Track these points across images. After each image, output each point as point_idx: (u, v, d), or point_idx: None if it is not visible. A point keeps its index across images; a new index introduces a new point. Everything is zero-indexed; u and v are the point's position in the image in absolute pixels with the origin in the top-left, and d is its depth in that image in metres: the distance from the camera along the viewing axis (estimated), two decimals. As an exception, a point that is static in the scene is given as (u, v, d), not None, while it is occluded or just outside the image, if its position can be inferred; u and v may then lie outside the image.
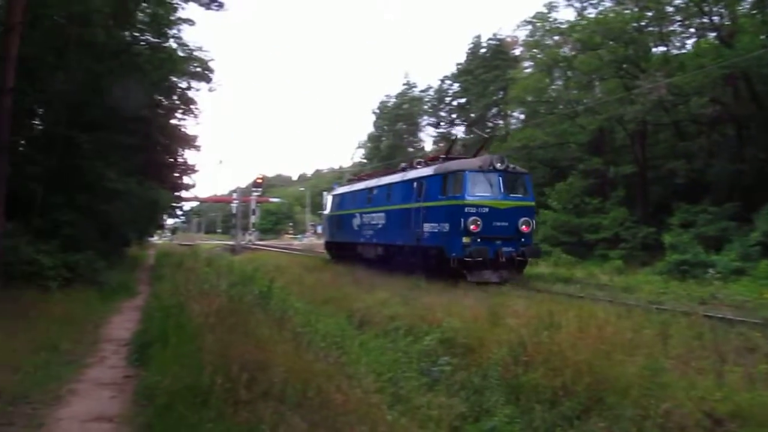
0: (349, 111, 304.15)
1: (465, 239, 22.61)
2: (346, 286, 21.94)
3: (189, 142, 35.80)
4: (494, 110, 69.98)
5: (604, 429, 7.97)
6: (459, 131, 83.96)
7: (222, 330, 8.69)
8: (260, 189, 67.14)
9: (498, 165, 23.46)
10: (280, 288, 17.38)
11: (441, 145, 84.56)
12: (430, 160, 28.56)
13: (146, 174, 26.66)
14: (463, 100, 75.73)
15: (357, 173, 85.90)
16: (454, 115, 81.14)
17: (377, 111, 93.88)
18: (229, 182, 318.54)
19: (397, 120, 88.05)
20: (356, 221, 32.49)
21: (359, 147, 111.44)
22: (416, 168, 27.92)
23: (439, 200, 24.01)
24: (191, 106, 31.30)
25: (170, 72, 24.79)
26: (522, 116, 59.34)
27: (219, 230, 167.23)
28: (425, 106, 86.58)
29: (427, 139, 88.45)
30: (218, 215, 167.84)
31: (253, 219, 70.23)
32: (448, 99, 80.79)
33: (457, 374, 10.67)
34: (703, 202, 32.01)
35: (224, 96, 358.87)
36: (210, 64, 29.70)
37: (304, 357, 8.27)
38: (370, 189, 31.72)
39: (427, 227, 24.44)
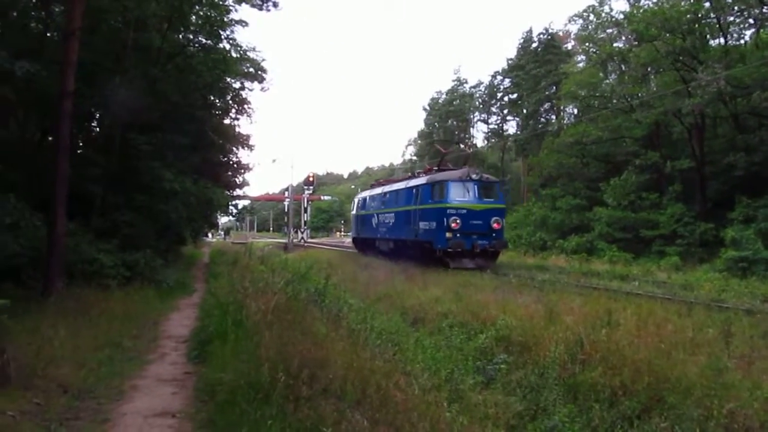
0: (400, 108, 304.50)
1: (448, 234, 28.36)
2: (399, 283, 21.99)
3: (242, 141, 36.22)
4: (546, 105, 69.32)
5: (666, 429, 7.87)
6: (511, 127, 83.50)
7: (280, 327, 8.80)
8: (312, 187, 67.50)
9: (473, 176, 30.07)
10: (334, 285, 17.51)
11: (493, 141, 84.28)
12: (426, 171, 36.20)
13: (201, 173, 26.94)
14: (514, 96, 75.13)
15: (408, 170, 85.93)
16: (505, 111, 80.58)
17: (428, 107, 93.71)
18: (282, 181, 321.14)
19: (447, 116, 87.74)
20: (374, 220, 39.97)
21: (410, 144, 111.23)
22: (417, 177, 34.90)
23: (429, 204, 30.38)
24: (244, 106, 31.54)
25: (224, 73, 25.02)
26: (575, 111, 58.76)
27: (271, 228, 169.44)
28: (476, 102, 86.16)
29: (479, 136, 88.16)
30: (270, 213, 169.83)
31: (304, 217, 70.77)
32: (499, 95, 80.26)
33: (513, 372, 10.63)
34: (765, 196, 31.08)
35: (277, 95, 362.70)
36: (262, 64, 30.01)
37: (361, 354, 8.32)
38: (384, 193, 38.69)
39: (422, 225, 30.85)
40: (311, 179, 66.53)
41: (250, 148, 37.18)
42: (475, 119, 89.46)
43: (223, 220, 66.45)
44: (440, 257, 28.47)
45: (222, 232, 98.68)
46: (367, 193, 45.28)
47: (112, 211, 20.29)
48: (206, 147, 28.33)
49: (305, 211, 70.97)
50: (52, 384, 8.38)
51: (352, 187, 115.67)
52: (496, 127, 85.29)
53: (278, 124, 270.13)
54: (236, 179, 40.45)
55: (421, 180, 33.12)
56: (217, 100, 29.60)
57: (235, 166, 38.32)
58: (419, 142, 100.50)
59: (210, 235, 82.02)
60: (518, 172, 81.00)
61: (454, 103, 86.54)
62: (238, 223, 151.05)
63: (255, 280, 14.06)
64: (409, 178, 37.01)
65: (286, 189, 72.59)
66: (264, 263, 24.93)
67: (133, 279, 17.80)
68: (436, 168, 35.24)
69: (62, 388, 8.35)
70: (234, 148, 36.55)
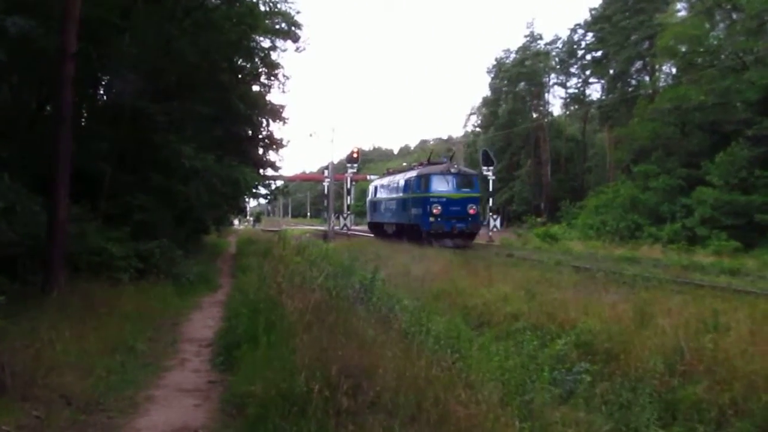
0: (461, 71, 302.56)
1: (431, 219, 41.71)
2: (460, 278, 21.94)
3: (274, 112, 36.04)
4: (638, 65, 68.24)
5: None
6: (594, 91, 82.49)
7: (320, 329, 8.81)
8: (356, 165, 66.86)
9: (452, 170, 44.45)
10: (382, 280, 17.52)
11: (573, 108, 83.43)
12: (420, 164, 51.42)
13: (226, 150, 27.01)
14: (598, 54, 74.19)
15: (471, 143, 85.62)
16: (587, 72, 79.57)
17: (493, 69, 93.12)
18: (320, 158, 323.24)
19: (517, 79, 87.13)
20: (383, 206, 55.17)
21: (472, 113, 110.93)
22: (413, 170, 49.16)
23: (418, 193, 44.14)
24: (276, 71, 31.46)
25: (251, 29, 25.03)
26: (673, 71, 57.67)
27: (308, 214, 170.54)
28: (552, 62, 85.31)
29: (555, 102, 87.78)
30: (307, 196, 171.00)
31: (347, 200, 70.68)
32: (580, 52, 79.35)
33: (598, 385, 10.51)
34: None
35: (314, 58, 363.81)
36: (296, 18, 29.69)
37: (415, 362, 8.28)
38: (389, 183, 53.59)
39: (413, 211, 44.77)
40: (355, 155, 66.02)
41: (284, 120, 36.93)
42: (551, 82, 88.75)
43: (252, 204, 67.11)
44: (425, 237, 41.05)
45: (251, 218, 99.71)
46: (378, 182, 60.66)
47: (122, 194, 20.41)
48: (232, 118, 28.32)
49: (348, 194, 70.76)
50: (54, 394, 8.46)
51: (404, 164, 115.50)
52: (576, 91, 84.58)
53: (316, 93, 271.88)
54: (267, 157, 40.72)
55: (413, 173, 47.07)
56: (244, 63, 29.60)
57: (267, 141, 38.44)
58: (483, 111, 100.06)
59: (237, 221, 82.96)
60: (603, 145, 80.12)
61: (526, 63, 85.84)
62: (269, 208, 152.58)
63: (290, 274, 14.12)
64: (411, 169, 51.34)
65: (326, 167, 72.55)
66: (300, 254, 25.08)
67: (147, 272, 18.01)
68: (425, 162, 51.61)
69: (65, 399, 8.41)
70: (264, 121, 36.59)
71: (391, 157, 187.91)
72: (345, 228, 62.80)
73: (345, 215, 65.20)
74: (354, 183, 72.74)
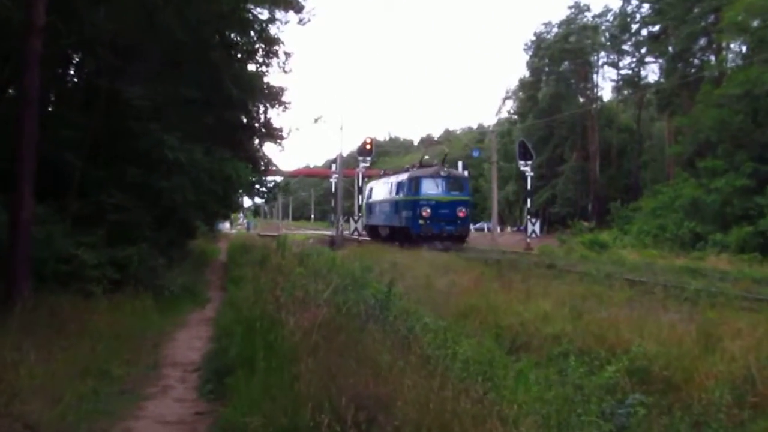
0: (493, 48, 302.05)
1: (420, 221, 48.76)
2: (493, 293, 21.89)
3: (273, 96, 35.99)
4: (702, 41, 67.90)
5: None
6: (651, 73, 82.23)
7: (327, 352, 8.81)
8: (369, 158, 66.51)
9: (442, 173, 51.92)
10: (400, 295, 17.51)
11: (626, 92, 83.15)
12: (411, 167, 59.08)
13: (216, 140, 26.95)
14: (656, 28, 73.94)
15: (506, 133, 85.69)
16: (643, 50, 79.31)
17: (532, 46, 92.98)
18: (328, 151, 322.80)
19: (561, 58, 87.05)
20: (377, 208, 62.74)
21: (507, 97, 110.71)
22: (405, 172, 56.89)
23: (408, 196, 51.05)
24: (275, 47, 31.33)
25: (245, -2, 25.10)
26: (743, 49, 57.43)
27: (312, 215, 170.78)
28: (602, 38, 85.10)
29: (606, 85, 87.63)
30: (311, 194, 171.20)
31: (359, 200, 70.56)
32: (634, 27, 79.14)
33: (655, 420, 10.47)
34: None
35: (322, 36, 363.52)
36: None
37: (440, 392, 8.28)
38: (384, 185, 61.42)
39: (404, 214, 51.83)
40: (368, 146, 65.52)
41: (284, 105, 36.76)
42: (601, 62, 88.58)
43: (246, 204, 67.24)
44: (415, 240, 47.73)
45: (245, 221, 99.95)
46: (374, 184, 68.73)
47: (95, 191, 20.36)
48: (223, 104, 28.16)
49: (360, 192, 70.71)
50: (17, 424, 8.49)
51: (426, 157, 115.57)
52: (629, 72, 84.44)
53: (324, 75, 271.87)
54: (264, 148, 40.64)
55: (405, 175, 55.19)
56: (238, 38, 29.57)
57: (264, 130, 38.27)
58: (520, 95, 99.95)
59: (229, 224, 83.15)
60: (661, 136, 79.94)
61: (570, 39, 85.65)
62: (266, 209, 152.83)
63: (291, 287, 14.13)
64: (403, 171, 59.34)
65: (333, 161, 72.66)
66: (303, 264, 25.07)
67: (124, 284, 18.03)
68: (417, 165, 59.46)
69: (30, 430, 8.44)
70: (261, 106, 36.45)
71: (410, 149, 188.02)
72: (356, 233, 62.57)
73: (356, 218, 64.94)
74: (366, 179, 72.66)
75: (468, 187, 53.98)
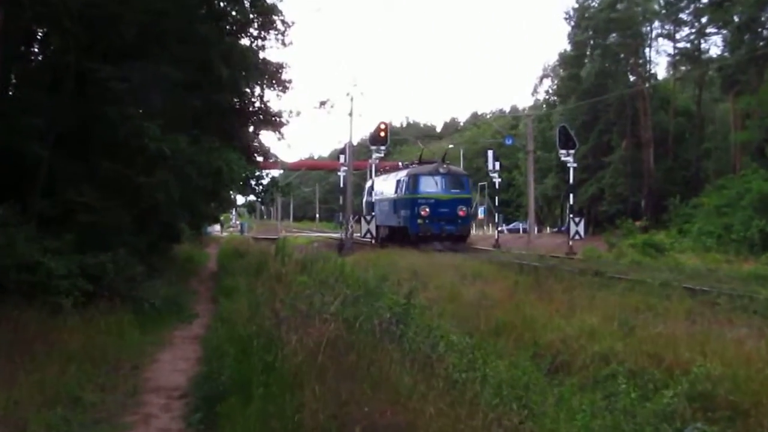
0: (528, 18, 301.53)
1: (419, 221, 53.24)
2: (530, 305, 21.85)
3: (271, 75, 35.77)
4: (774, 9, 67.61)
5: None
6: (713, 46, 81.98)
7: (336, 375, 8.81)
8: (384, 147, 66.22)
9: (441, 170, 56.29)
10: (421, 308, 17.50)
11: (684, 69, 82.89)
12: (411, 164, 64.57)
13: (205, 128, 26.89)
14: (720, -7, 73.63)
15: (544, 117, 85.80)
16: (704, 19, 79.01)
17: (574, 16, 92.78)
18: (335, 139, 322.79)
19: (607, 30, 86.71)
20: (377, 208, 66.76)
21: (545, 75, 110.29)
22: (403, 170, 62.53)
23: (407, 194, 55.71)
24: (274, 17, 31.21)
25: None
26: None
27: (317, 215, 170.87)
28: (655, 6, 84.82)
29: (660, 61, 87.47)
30: (315, 190, 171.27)
31: (373, 196, 70.45)
32: (694, -9, 78.82)
33: (723, 453, 10.45)
34: None
35: (329, 5, 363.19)
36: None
37: (468, 420, 8.28)
38: (383, 182, 65.82)
39: (402, 213, 56.56)
40: (383, 134, 65.11)
41: (284, 86, 36.56)
42: (654, 33, 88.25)
43: (239, 202, 67.40)
44: (414, 240, 52.10)
45: (239, 222, 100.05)
46: (373, 181, 71.65)
47: (63, 188, 20.40)
48: (212, 85, 28.04)
49: (373, 189, 70.59)
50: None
51: (450, 146, 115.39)
52: (688, 46, 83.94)
53: (331, 51, 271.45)
54: (261, 136, 40.53)
55: (403, 173, 60.23)
56: (229, 7, 29.51)
57: (260, 115, 38.05)
58: (561, 72, 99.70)
59: (220, 226, 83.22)
60: (726, 120, 79.59)
61: (619, 7, 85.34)
62: (263, 208, 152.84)
63: (293, 299, 14.13)
64: (402, 168, 65.51)
65: (342, 151, 72.25)
66: (307, 272, 25.04)
67: (97, 296, 18.03)
68: (416, 162, 64.57)
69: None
70: (258, 88, 36.19)
71: (432, 137, 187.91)
72: (369, 235, 62.53)
73: (368, 217, 64.74)
74: (381, 172, 72.57)
75: (469, 185, 60.15)
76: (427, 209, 53.67)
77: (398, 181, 59.95)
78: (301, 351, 9.77)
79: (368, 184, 74.92)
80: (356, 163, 73.60)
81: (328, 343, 10.06)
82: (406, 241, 52.60)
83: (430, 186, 55.40)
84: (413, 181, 56.11)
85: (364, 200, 74.65)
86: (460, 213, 54.81)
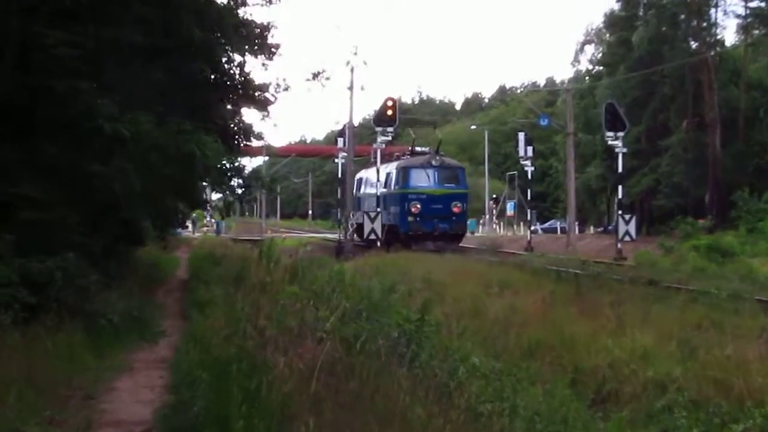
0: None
1: (410, 218, 58.03)
2: (569, 321, 21.83)
3: (254, 39, 35.59)
4: None
5: None
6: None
7: (335, 406, 8.80)
8: (392, 129, 65.62)
9: (434, 162, 60.67)
10: (439, 324, 17.48)
11: (756, 32, 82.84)
12: (402, 155, 68.57)
13: (172, 105, 26.81)
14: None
15: (587, 92, 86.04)
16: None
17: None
18: (332, 119, 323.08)
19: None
20: (366, 204, 69.12)
21: (587, 41, 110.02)
22: (393, 161, 66.54)
23: (396, 189, 60.44)
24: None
25: None
26: None
27: (310, 211, 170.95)
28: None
29: (729, 24, 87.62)
30: (308, 182, 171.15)
31: (378, 188, 69.74)
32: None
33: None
34: None
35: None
36: None
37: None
38: (372, 176, 66.47)
39: (391, 209, 60.66)
40: (390, 112, 64.52)
41: (271, 51, 36.27)
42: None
43: (214, 196, 67.58)
44: (403, 239, 56.40)
45: (214, 221, 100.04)
46: (363, 174, 76.26)
47: (0, 178, 20.43)
48: (182, 51, 27.98)
49: (380, 179, 70.02)
50: None
51: (473, 127, 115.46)
52: (762, 4, 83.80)
53: (327, 9, 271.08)
54: (242, 116, 40.28)
55: (392, 165, 64.35)
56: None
57: (240, 89, 37.70)
58: (607, 37, 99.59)
59: (191, 226, 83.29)
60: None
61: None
62: (243, 204, 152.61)
63: (281, 314, 14.13)
64: (393, 160, 68.24)
65: (341, 134, 72.13)
66: (298, 281, 24.99)
67: (43, 309, 17.87)
68: (408, 153, 68.25)
69: None
70: (237, 54, 35.89)
71: (450, 115, 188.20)
72: (373, 234, 61.87)
73: (373, 214, 63.98)
74: (388, 159, 72.23)
75: (464, 179, 65.00)
76: (419, 206, 58.47)
77: (387, 175, 63.95)
78: (291, 377, 9.77)
79: (357, 178, 77.26)
80: (358, 148, 73.73)
81: (324, 368, 10.06)
82: (395, 241, 56.76)
83: (422, 180, 60.48)
84: (403, 174, 61.12)
85: (353, 196, 75.77)
86: (455, 210, 59.77)
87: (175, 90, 28.60)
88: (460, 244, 65.45)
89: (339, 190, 70.80)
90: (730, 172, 79.22)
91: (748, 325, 19.82)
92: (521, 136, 73.09)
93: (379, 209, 63.39)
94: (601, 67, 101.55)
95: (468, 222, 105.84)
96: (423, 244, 54.69)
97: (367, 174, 73.62)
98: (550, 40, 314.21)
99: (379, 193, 63.38)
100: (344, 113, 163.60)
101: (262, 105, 37.96)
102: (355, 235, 64.93)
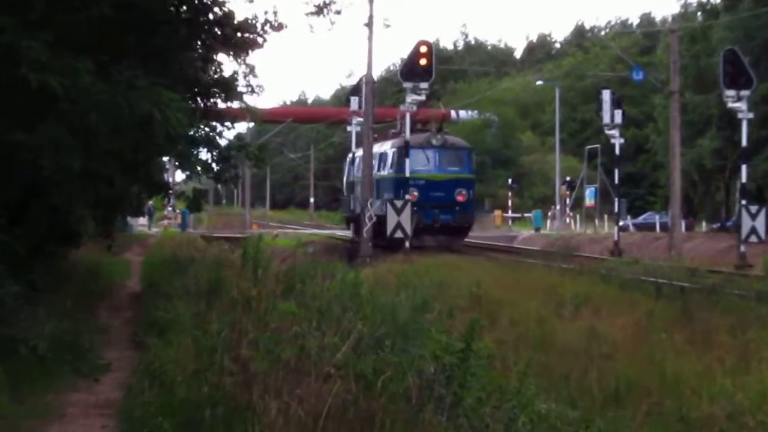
0: None
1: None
2: (672, 353, 21.80)
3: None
4: None
5: None
6: None
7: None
8: (426, 85, 65.26)
9: (434, 141, 69.19)
10: (490, 356, 17.51)
11: None
12: (395, 134, 73.95)
13: (122, 51, 26.84)
14: None
15: (699, 34, 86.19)
16: None
17: None
18: (342, 71, 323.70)
19: None
20: (357, 190, 75.99)
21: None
22: (388, 140, 74.81)
23: (390, 173, 70.12)
24: None
25: None
26: None
27: (311, 199, 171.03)
28: None
29: None
30: (310, 158, 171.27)
31: (407, 166, 69.37)
32: None
33: None
34: None
35: None
36: None
37: None
38: (361, 158, 75.15)
39: (385, 197, 66.53)
40: (424, 61, 64.22)
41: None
42: None
43: (178, 177, 67.30)
44: None
45: (178, 211, 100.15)
46: (356, 153, 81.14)
47: None
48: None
49: (406, 152, 69.81)
50: None
51: (538, 83, 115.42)
52: None
53: None
54: (218, 68, 40.24)
55: (387, 145, 71.10)
56: None
57: (218, 29, 37.51)
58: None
59: (147, 219, 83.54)
60: None
61: None
62: (220, 187, 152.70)
63: (273, 341, 14.15)
64: (390, 138, 75.09)
65: (354, 91, 72.37)
66: (295, 295, 24.92)
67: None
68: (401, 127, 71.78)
69: None
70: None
71: (507, 66, 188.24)
72: (399, 232, 61.67)
73: (399, 203, 63.65)
74: (422, 128, 72.65)
75: (470, 161, 71.93)
76: (416, 193, 63.52)
77: (380, 156, 71.52)
78: (287, 428, 9.79)
79: (348, 158, 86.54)
80: (379, 111, 73.86)
81: (333, 416, 10.07)
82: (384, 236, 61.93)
83: (421, 162, 66.55)
84: (398, 156, 66.65)
85: (344, 181, 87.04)
86: (459, 198, 66.02)
87: (127, 30, 28.55)
88: (514, 247, 71.95)
89: (351, 170, 71.29)
90: None
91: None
92: (606, 95, 72.15)
93: (406, 196, 64.40)
94: (719, 2, 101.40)
95: (532, 215, 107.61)
96: (421, 239, 60.55)
97: (359, 155, 77.35)
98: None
99: (372, 179, 68.12)
100: (360, 62, 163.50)
101: (246, 50, 37.78)
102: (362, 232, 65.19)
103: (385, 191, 65.49)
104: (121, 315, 30.27)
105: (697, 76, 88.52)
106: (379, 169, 69.22)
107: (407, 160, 63.16)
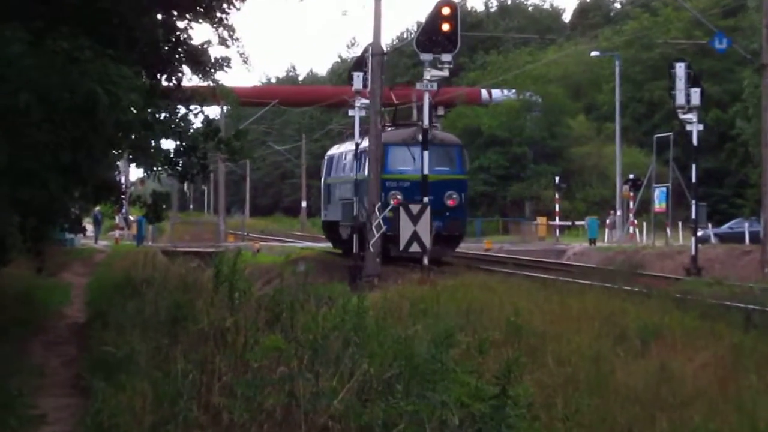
0: None
1: (388, 213, 64.74)
2: (764, 396, 21.78)
3: None
4: None
5: None
6: None
7: None
8: (449, 56, 65.17)
9: (419, 137, 67.13)
10: (532, 403, 17.52)
11: None
12: (389, 125, 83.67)
13: (60, 14, 26.86)
14: None
15: None
16: None
17: None
18: (341, 38, 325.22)
19: None
20: (336, 194, 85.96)
21: None
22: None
23: (370, 175, 71.60)
24: None
25: None
26: None
27: (303, 202, 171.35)
28: None
29: None
30: (301, 153, 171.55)
31: (425, 162, 69.46)
32: None
33: None
34: None
35: None
36: None
37: None
38: (345, 154, 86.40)
39: (365, 202, 71.85)
40: (447, 25, 64.19)
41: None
42: None
43: (133, 176, 67.46)
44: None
45: (131, 218, 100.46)
46: (335, 150, 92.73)
47: None
48: None
49: (426, 144, 69.83)
50: None
51: (593, 54, 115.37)
52: None
53: None
54: (183, 33, 40.09)
55: (365, 142, 73.18)
56: None
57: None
58: None
59: (93, 226, 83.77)
60: None
61: None
62: (186, 187, 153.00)
63: (254, 385, 14.15)
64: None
65: (357, 65, 72.65)
66: (282, 325, 24.95)
67: None
68: (389, 125, 79.03)
69: None
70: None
71: (553, 32, 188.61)
72: (416, 244, 61.69)
73: (416, 208, 63.70)
74: (447, 111, 73.58)
75: (462, 160, 78.38)
76: (400, 196, 67.60)
77: (359, 154, 75.09)
78: None
79: (327, 156, 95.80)
80: (389, 91, 74.10)
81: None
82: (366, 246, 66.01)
83: (404, 161, 71.42)
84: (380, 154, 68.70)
85: (322, 182, 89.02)
86: (449, 203, 69.84)
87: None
88: (563, 264, 73.30)
89: (356, 166, 71.31)
90: None
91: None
92: (680, 69, 71.25)
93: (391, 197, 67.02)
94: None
95: (586, 222, 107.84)
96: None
97: (339, 151, 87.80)
98: None
99: (350, 180, 72.77)
100: (366, 29, 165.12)
101: (217, 15, 37.56)
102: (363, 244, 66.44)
103: (364, 194, 67.40)
104: (60, 352, 30.29)
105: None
106: (358, 170, 72.65)
107: (389, 159, 68.64)
